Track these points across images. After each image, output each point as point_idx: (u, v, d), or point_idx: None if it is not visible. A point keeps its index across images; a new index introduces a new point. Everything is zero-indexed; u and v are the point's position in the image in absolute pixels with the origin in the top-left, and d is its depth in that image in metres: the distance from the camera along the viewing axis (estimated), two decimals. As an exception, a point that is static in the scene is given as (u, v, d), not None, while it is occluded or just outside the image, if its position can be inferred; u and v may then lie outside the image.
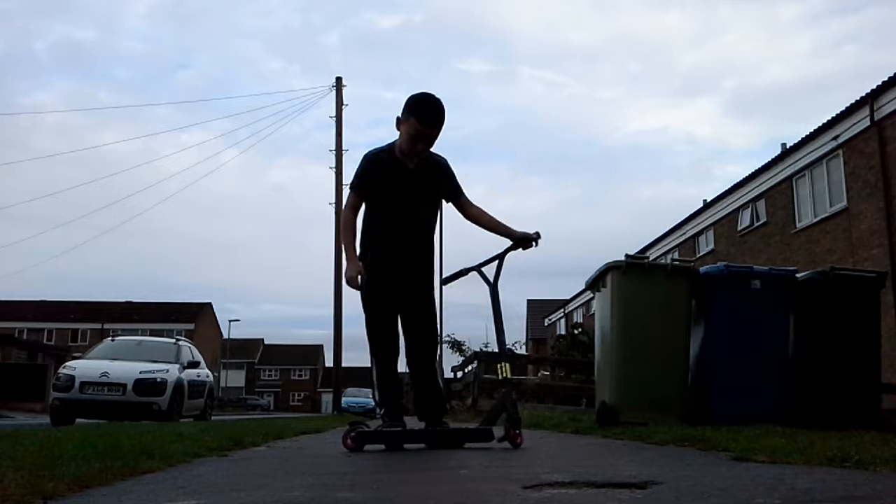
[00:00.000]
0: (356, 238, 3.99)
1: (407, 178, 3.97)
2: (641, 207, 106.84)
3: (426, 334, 4.13)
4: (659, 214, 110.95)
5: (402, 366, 4.23)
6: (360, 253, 4.00)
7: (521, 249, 4.05)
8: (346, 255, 3.94)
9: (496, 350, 3.96)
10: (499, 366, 3.89)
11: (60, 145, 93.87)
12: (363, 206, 4.07)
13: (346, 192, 22.57)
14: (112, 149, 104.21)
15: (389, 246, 3.98)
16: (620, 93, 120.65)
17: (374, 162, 4.00)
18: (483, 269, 4.00)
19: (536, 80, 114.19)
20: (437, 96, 3.91)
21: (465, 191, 4.16)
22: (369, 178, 3.99)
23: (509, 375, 3.89)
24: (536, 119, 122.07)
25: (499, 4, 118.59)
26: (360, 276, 3.84)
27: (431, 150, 4.03)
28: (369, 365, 4.22)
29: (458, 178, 4.15)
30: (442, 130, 3.94)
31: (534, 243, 4.02)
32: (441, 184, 4.09)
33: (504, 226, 4.12)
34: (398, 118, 3.93)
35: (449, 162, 4.14)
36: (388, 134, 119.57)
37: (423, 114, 3.85)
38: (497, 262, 4.00)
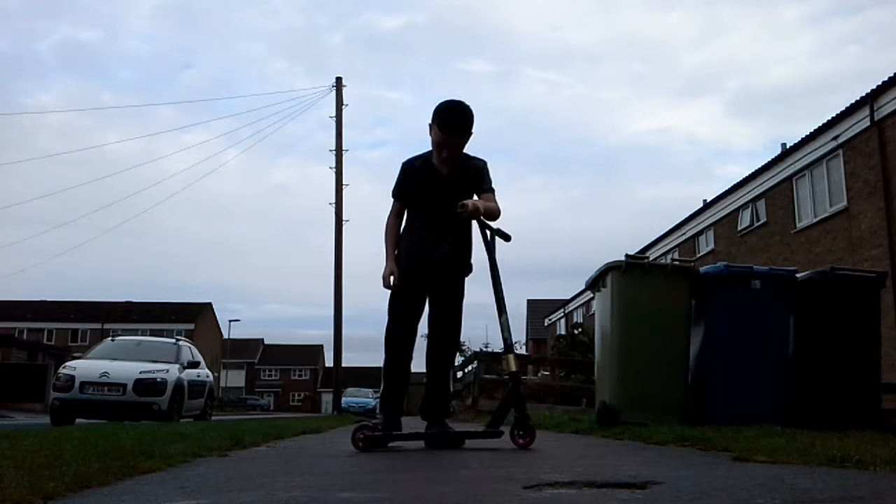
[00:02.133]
0: (395, 242, 4.09)
1: (440, 184, 3.99)
2: (642, 208, 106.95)
3: (446, 338, 4.17)
4: (660, 215, 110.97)
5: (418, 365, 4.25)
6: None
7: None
8: (386, 255, 4.05)
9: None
10: (504, 358, 3.85)
11: (63, 146, 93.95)
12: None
13: (345, 192, 22.53)
14: (115, 149, 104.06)
15: (415, 254, 4.02)
16: (622, 93, 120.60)
17: (409, 169, 4.09)
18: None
19: (538, 81, 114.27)
20: (464, 103, 3.92)
21: (493, 188, 4.10)
22: (406, 185, 4.08)
23: (515, 368, 3.83)
24: (538, 119, 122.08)
25: (501, 5, 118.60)
26: (392, 277, 3.95)
27: (469, 153, 4.06)
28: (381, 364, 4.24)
29: (490, 176, 4.14)
30: (471, 137, 3.94)
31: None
32: (475, 186, 4.09)
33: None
34: (430, 124, 3.95)
35: (487, 164, 4.14)
36: (391, 134, 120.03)
37: (444, 122, 3.87)
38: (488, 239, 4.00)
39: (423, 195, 4.04)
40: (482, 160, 4.14)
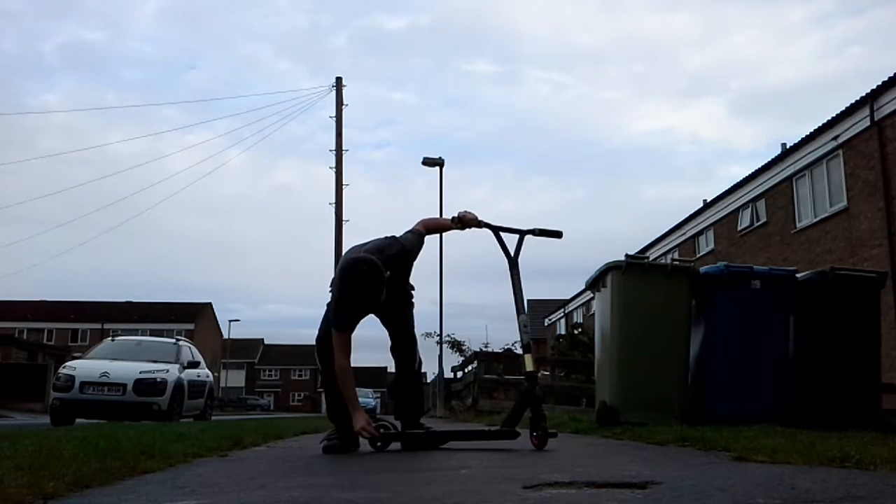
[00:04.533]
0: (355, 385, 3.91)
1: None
2: (645, 208, 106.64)
3: (406, 350, 4.18)
4: (662, 215, 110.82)
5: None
6: None
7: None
8: (351, 406, 3.83)
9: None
10: (524, 357, 3.83)
11: (66, 146, 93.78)
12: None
13: (347, 192, 22.39)
14: (118, 149, 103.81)
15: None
16: (626, 94, 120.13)
17: None
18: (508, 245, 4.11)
19: (542, 81, 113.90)
20: (357, 271, 3.64)
21: (413, 227, 4.10)
22: (355, 317, 3.88)
23: (532, 368, 3.82)
24: (541, 120, 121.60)
25: (505, 6, 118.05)
26: (369, 424, 3.81)
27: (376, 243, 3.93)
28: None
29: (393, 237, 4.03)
30: (384, 286, 3.68)
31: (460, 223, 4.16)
32: (403, 271, 4.04)
33: (441, 220, 4.32)
34: None
35: (387, 239, 4.00)
36: (394, 135, 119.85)
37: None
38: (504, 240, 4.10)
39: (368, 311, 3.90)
40: (383, 246, 3.91)
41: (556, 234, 4.19)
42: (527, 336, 3.86)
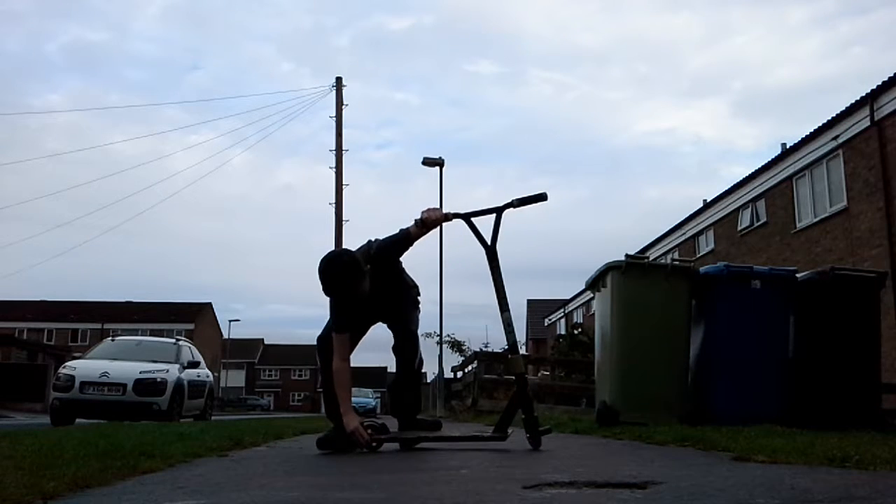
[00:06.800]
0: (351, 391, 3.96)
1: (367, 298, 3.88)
2: (647, 208, 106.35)
3: (407, 351, 4.15)
4: (663, 215, 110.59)
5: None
6: None
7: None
8: (343, 407, 3.86)
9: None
10: (510, 359, 3.76)
11: (69, 146, 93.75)
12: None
13: (349, 192, 22.37)
14: (120, 149, 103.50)
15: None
16: (629, 94, 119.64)
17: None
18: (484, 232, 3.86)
19: (545, 82, 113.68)
20: (331, 264, 3.71)
21: (406, 228, 3.93)
22: (349, 315, 3.91)
23: (522, 369, 3.74)
24: (544, 120, 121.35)
25: (509, 7, 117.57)
26: (360, 429, 3.81)
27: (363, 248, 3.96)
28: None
29: (394, 238, 3.94)
30: (363, 278, 3.75)
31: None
32: (390, 266, 4.03)
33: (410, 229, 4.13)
34: None
35: (369, 241, 4.00)
36: (395, 135, 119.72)
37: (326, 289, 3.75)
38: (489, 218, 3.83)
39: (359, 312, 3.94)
40: (361, 247, 3.96)
41: (540, 198, 3.73)
42: (512, 335, 3.69)
